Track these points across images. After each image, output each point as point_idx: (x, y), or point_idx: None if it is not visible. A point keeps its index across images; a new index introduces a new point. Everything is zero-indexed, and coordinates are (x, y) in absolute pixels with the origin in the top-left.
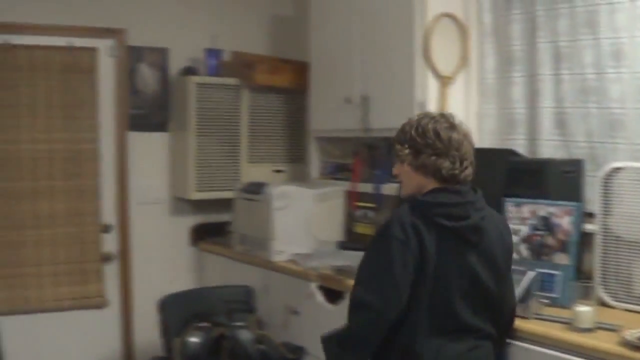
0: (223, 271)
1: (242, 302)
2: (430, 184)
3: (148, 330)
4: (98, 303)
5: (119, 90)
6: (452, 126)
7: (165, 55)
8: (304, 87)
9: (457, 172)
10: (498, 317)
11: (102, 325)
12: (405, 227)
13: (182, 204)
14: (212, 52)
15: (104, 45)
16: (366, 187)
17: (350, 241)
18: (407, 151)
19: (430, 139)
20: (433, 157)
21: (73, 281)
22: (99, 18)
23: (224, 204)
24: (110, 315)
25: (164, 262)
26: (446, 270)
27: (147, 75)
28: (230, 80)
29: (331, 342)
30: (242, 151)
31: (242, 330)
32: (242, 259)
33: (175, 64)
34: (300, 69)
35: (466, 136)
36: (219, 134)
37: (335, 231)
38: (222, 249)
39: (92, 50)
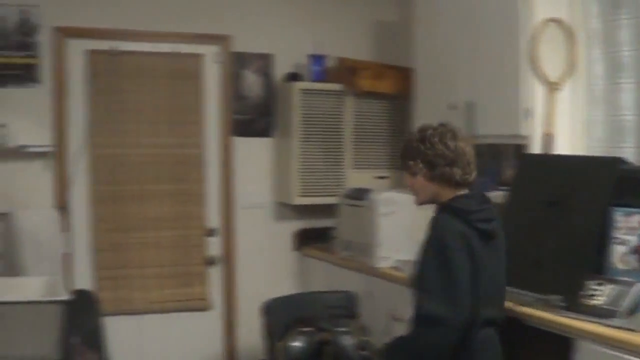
0: (325, 276)
1: (345, 307)
2: (446, 191)
3: (250, 333)
4: (201, 305)
5: (223, 96)
6: (455, 135)
7: (269, 61)
8: (407, 93)
9: (467, 176)
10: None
11: (205, 328)
12: (456, 235)
13: (284, 209)
14: (316, 58)
15: (209, 52)
16: None
17: None
18: (420, 165)
19: (440, 150)
20: (447, 167)
21: (177, 283)
22: (205, 25)
23: (326, 210)
24: (213, 317)
25: (267, 266)
26: (488, 270)
27: (252, 81)
28: (334, 86)
29: (398, 356)
30: (345, 157)
31: (345, 336)
32: (345, 265)
33: (279, 70)
34: (404, 75)
35: (467, 141)
36: (322, 140)
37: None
38: (325, 254)
39: (198, 57)
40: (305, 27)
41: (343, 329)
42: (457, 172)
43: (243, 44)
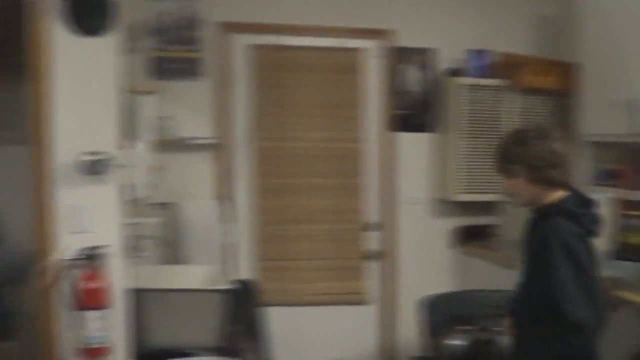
0: (485, 275)
1: (505, 307)
2: (546, 193)
3: (406, 329)
4: (359, 299)
5: (385, 90)
6: (553, 136)
7: (430, 56)
8: (570, 88)
9: (566, 178)
10: None
11: (363, 322)
12: (577, 239)
13: (443, 205)
14: (478, 53)
15: (370, 46)
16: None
17: (622, 251)
18: (522, 168)
19: (540, 152)
20: (548, 169)
21: (336, 277)
22: (365, 19)
23: (486, 207)
24: (370, 312)
25: (426, 262)
26: (597, 271)
27: (413, 76)
28: (496, 82)
29: None
30: None
31: (504, 336)
32: (506, 264)
33: (440, 65)
34: (566, 70)
35: (565, 141)
36: (483, 136)
37: (603, 240)
38: (484, 252)
39: (359, 51)
40: (466, 21)
41: (502, 329)
42: (558, 174)
43: (404, 39)
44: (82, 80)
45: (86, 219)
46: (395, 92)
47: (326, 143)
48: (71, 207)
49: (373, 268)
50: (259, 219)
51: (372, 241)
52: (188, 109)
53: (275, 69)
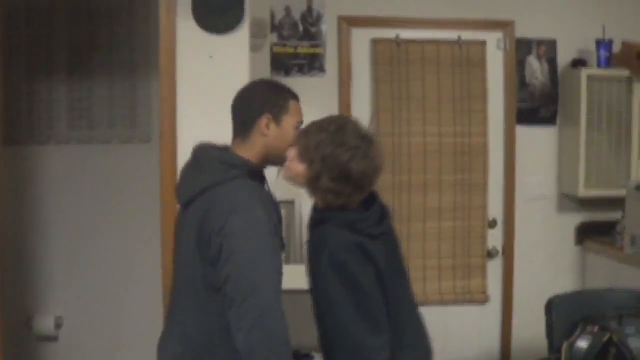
0: (610, 273)
1: (634, 307)
2: None
3: (528, 329)
4: (480, 299)
5: (507, 83)
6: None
7: (554, 47)
8: None
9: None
10: None
11: (483, 321)
12: None
13: (568, 201)
14: (603, 43)
15: (492, 39)
16: None
17: None
18: None
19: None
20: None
21: (457, 276)
22: (488, 11)
23: (613, 203)
24: (491, 311)
25: (547, 260)
26: None
27: (536, 68)
28: (623, 73)
29: None
30: (633, 147)
31: (633, 338)
32: (633, 262)
33: (564, 56)
34: None
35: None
36: (609, 129)
37: None
38: (610, 249)
39: (482, 44)
40: (590, 10)
41: (632, 331)
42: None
43: (526, 30)
44: (211, 78)
45: None
46: (519, 85)
47: (447, 138)
48: None
49: (493, 267)
50: None
51: (494, 239)
52: (308, 105)
53: (398, 64)
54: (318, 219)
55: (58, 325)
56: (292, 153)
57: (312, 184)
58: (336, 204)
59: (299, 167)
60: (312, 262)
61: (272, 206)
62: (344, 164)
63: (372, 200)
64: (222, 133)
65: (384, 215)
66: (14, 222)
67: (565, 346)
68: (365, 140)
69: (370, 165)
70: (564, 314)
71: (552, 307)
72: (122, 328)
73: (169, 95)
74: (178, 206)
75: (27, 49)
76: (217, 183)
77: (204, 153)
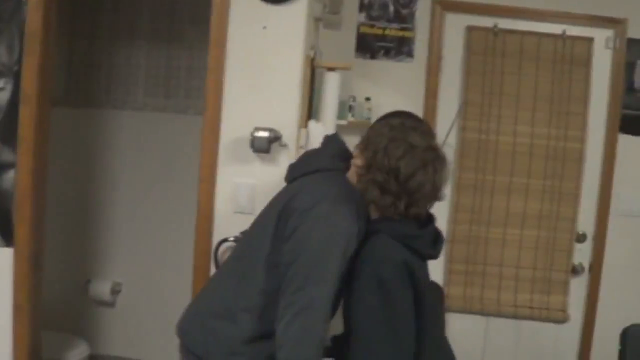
0: None
1: None
2: None
3: (608, 356)
4: (559, 317)
5: (613, 86)
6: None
7: None
8: None
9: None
10: None
11: (559, 342)
12: None
13: None
14: None
15: (601, 36)
16: None
17: None
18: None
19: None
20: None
21: (535, 289)
22: (598, 5)
23: None
24: (569, 332)
25: (637, 284)
26: None
27: None
28: None
29: None
30: None
31: None
32: None
33: None
34: None
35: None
36: None
37: None
38: None
39: (588, 41)
40: None
41: None
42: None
43: (638, 29)
44: (263, 50)
45: (253, 199)
46: (627, 89)
47: (542, 140)
48: (237, 184)
49: (579, 284)
50: (456, 217)
51: (581, 254)
52: (392, 90)
53: (493, 55)
54: (370, 230)
55: (115, 291)
56: (355, 152)
57: (364, 174)
58: (386, 208)
59: (358, 160)
60: (353, 271)
61: (363, 217)
62: (394, 158)
63: (428, 221)
64: (269, 109)
65: (438, 238)
66: (80, 183)
67: None
68: (428, 147)
69: (425, 176)
70: None
71: (627, 336)
72: (179, 296)
73: (217, 66)
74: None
75: (110, 15)
76: (327, 168)
77: (331, 140)
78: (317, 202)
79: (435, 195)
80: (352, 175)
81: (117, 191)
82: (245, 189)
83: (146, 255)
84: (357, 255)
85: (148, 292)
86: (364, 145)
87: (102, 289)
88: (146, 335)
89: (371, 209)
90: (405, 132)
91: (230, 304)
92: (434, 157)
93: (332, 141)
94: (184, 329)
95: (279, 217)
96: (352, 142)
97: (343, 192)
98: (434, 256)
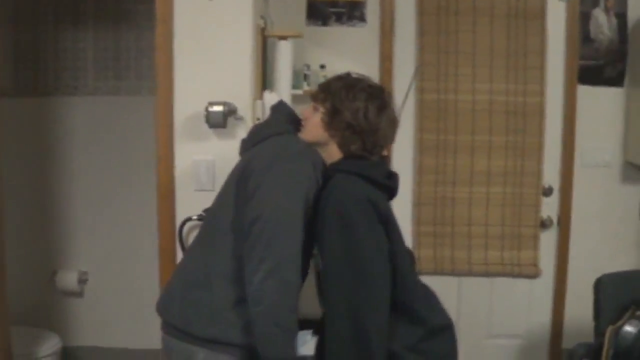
0: None
1: None
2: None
3: (582, 307)
4: (530, 272)
5: (569, 38)
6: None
7: None
8: None
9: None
10: None
11: (532, 297)
12: None
13: (633, 170)
14: None
15: None
16: None
17: None
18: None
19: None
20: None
21: (506, 245)
22: None
23: None
24: (542, 286)
25: (606, 234)
26: None
27: (602, 22)
28: None
29: None
30: None
31: None
32: None
33: (636, 9)
34: None
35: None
36: None
37: None
38: None
39: None
40: None
41: None
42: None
43: None
44: (211, 24)
45: (213, 176)
46: (582, 40)
47: (499, 96)
48: (196, 162)
49: (548, 238)
50: (418, 179)
51: (549, 208)
52: (345, 56)
53: (444, 13)
54: (329, 175)
55: (82, 281)
56: (306, 112)
57: (331, 120)
58: (355, 148)
59: (316, 117)
60: (318, 219)
61: (319, 170)
62: (360, 100)
63: None
64: (222, 83)
65: (391, 174)
66: (38, 175)
67: (609, 330)
68: (381, 89)
69: (386, 114)
70: (614, 295)
71: (601, 286)
72: (146, 283)
73: (165, 43)
74: None
75: None
76: (277, 133)
77: (278, 107)
78: (274, 160)
79: (393, 133)
80: (312, 129)
81: (75, 179)
82: (204, 166)
83: (110, 242)
84: (319, 202)
85: (115, 278)
86: (323, 96)
87: (68, 279)
88: (117, 323)
89: (329, 157)
90: (358, 79)
91: (204, 272)
92: (388, 97)
93: (280, 108)
94: (162, 307)
95: (237, 182)
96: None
97: (297, 149)
98: (393, 188)
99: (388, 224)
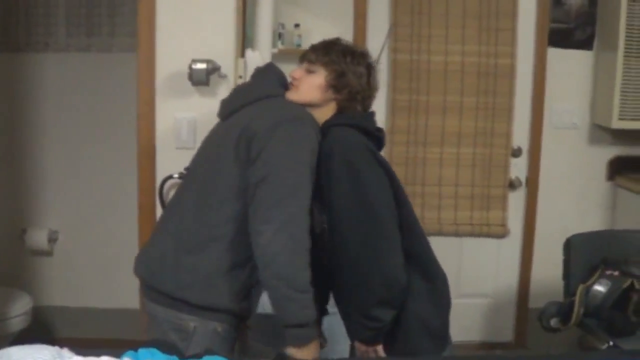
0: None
1: None
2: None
3: (549, 267)
4: (499, 232)
5: (540, 1)
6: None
7: None
8: None
9: None
10: None
11: (500, 256)
12: None
13: (601, 133)
14: None
15: None
16: None
17: None
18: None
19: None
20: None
21: (475, 206)
22: None
23: None
24: (510, 246)
25: (574, 194)
26: None
27: None
28: None
29: None
30: None
31: None
32: None
33: None
34: None
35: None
36: None
37: None
38: None
39: None
40: None
41: None
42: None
43: None
44: None
45: (194, 134)
46: (554, 2)
47: (470, 58)
48: (177, 120)
49: (515, 198)
50: (391, 139)
51: (518, 169)
52: (319, 16)
53: None
54: (326, 130)
55: (52, 240)
56: (297, 73)
57: (337, 83)
58: (357, 106)
59: (316, 79)
60: (320, 174)
61: (318, 132)
62: (363, 66)
63: None
64: (205, 40)
65: (380, 128)
66: (8, 132)
67: (580, 289)
68: (369, 56)
69: (374, 75)
70: (584, 255)
71: (571, 246)
72: (117, 243)
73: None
74: None
75: None
76: (272, 95)
77: (269, 69)
78: (278, 122)
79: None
80: (311, 90)
81: (47, 136)
82: (185, 123)
83: (82, 201)
84: (319, 161)
85: (88, 237)
86: (327, 60)
87: (38, 237)
88: (87, 283)
89: (322, 117)
90: (352, 45)
91: (198, 236)
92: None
93: (270, 69)
94: (149, 271)
95: (237, 143)
96: (284, 69)
97: (299, 112)
98: (382, 139)
99: (388, 172)
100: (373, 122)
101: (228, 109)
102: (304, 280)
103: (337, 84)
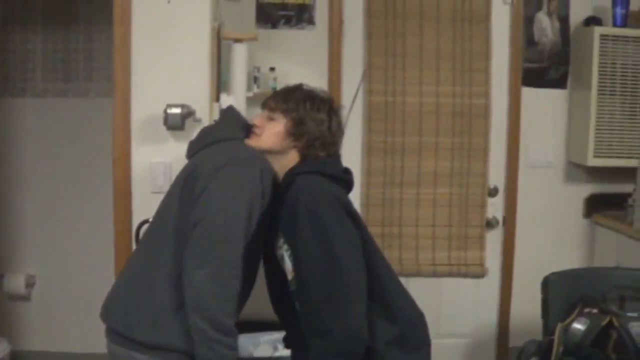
0: (620, 250)
1: (639, 289)
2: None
3: (528, 306)
4: (477, 272)
5: (513, 41)
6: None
7: (566, 2)
8: None
9: None
10: None
11: (479, 296)
12: None
13: (577, 170)
14: (620, 0)
15: None
16: None
17: None
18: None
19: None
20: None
21: (452, 246)
22: None
23: (625, 173)
24: (489, 286)
25: (551, 233)
26: None
27: (545, 25)
28: (639, 32)
29: None
30: None
31: (636, 323)
32: None
33: (578, 13)
34: None
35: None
36: (623, 94)
37: None
38: (619, 224)
39: None
40: None
41: (633, 314)
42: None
43: None
44: (169, 25)
45: (170, 178)
46: (527, 43)
47: (445, 98)
48: (153, 164)
49: (492, 238)
50: (367, 180)
51: (495, 208)
52: (295, 59)
53: (391, 17)
54: (289, 180)
55: (29, 284)
56: (258, 120)
57: (296, 130)
58: (321, 152)
59: (275, 127)
60: (288, 227)
61: (268, 178)
62: (323, 112)
63: None
64: (180, 85)
65: (347, 169)
66: None
67: (559, 328)
68: (333, 100)
69: (340, 124)
70: (562, 293)
71: (549, 284)
72: (94, 287)
73: (122, 44)
74: None
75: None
76: (227, 138)
77: (228, 112)
78: (222, 165)
79: (341, 140)
80: (271, 138)
81: (24, 182)
82: (161, 168)
83: (59, 246)
84: (284, 211)
85: (63, 282)
86: (286, 107)
87: (16, 282)
88: (65, 327)
89: (286, 164)
90: (314, 90)
91: (147, 275)
92: (337, 106)
93: (230, 113)
94: (105, 311)
95: (183, 185)
96: (259, 113)
97: (246, 155)
98: (350, 182)
99: (354, 217)
100: (338, 166)
101: (192, 150)
102: (230, 324)
103: (295, 132)
